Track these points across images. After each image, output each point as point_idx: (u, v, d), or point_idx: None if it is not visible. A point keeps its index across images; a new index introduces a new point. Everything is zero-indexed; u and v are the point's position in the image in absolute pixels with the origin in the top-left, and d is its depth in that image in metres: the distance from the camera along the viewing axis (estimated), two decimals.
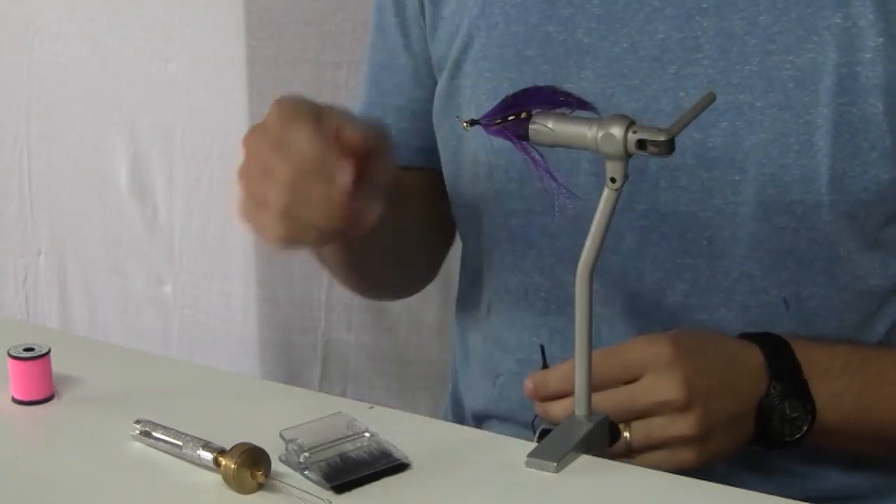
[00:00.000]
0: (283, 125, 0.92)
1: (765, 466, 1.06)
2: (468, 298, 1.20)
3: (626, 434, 0.97)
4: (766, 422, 1.00)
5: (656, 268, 1.06)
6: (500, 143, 1.07)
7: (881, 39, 1.00)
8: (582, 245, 0.92)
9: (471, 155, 1.12)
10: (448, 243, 1.26)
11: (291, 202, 0.92)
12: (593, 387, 0.94)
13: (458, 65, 1.11)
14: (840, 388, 1.03)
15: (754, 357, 1.01)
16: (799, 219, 1.03)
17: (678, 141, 1.02)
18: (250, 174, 0.94)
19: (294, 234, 0.94)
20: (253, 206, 0.94)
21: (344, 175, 0.90)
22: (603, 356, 0.97)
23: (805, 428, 1.01)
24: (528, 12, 1.07)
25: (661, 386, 0.97)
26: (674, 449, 0.97)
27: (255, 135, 0.94)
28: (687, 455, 0.97)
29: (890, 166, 1.02)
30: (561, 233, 1.07)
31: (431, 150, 1.17)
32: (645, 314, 1.07)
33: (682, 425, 0.97)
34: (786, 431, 1.01)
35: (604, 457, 0.94)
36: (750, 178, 1.02)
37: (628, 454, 0.97)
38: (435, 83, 1.15)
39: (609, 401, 0.95)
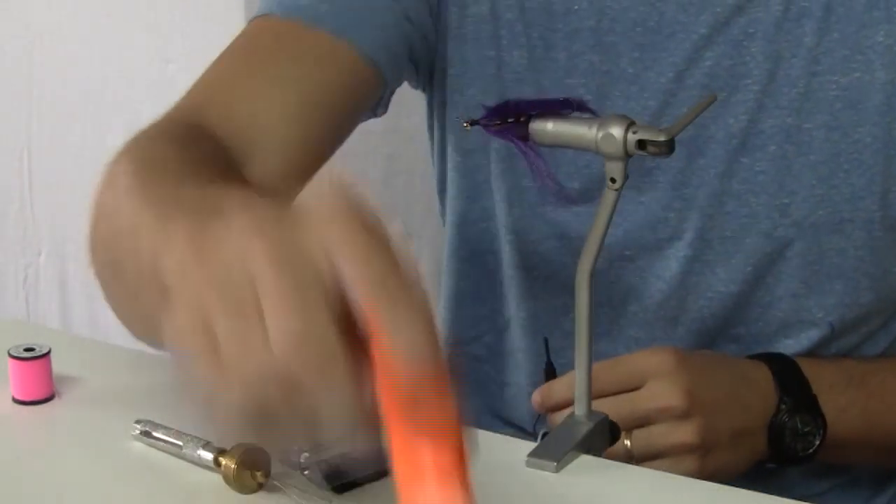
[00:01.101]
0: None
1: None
2: (465, 326, 1.19)
3: (628, 442, 0.97)
4: (779, 438, 1.00)
5: (698, 296, 1.06)
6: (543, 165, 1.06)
7: None
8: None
9: (485, 172, 1.11)
10: None
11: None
12: (596, 393, 0.94)
13: (489, 81, 1.08)
14: (847, 402, 1.03)
15: (762, 374, 1.01)
16: (848, 238, 1.03)
17: (728, 167, 1.02)
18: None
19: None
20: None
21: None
22: (607, 365, 0.98)
23: (817, 443, 1.01)
24: (568, 40, 1.05)
25: (662, 393, 0.97)
26: (675, 458, 0.97)
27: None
28: (689, 465, 0.97)
29: None
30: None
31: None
32: (683, 339, 1.07)
33: (682, 433, 0.97)
34: (798, 447, 1.01)
35: (604, 457, 0.94)
36: (799, 200, 1.02)
37: (629, 462, 0.97)
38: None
39: (610, 407, 0.96)
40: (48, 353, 1.00)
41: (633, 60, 1.04)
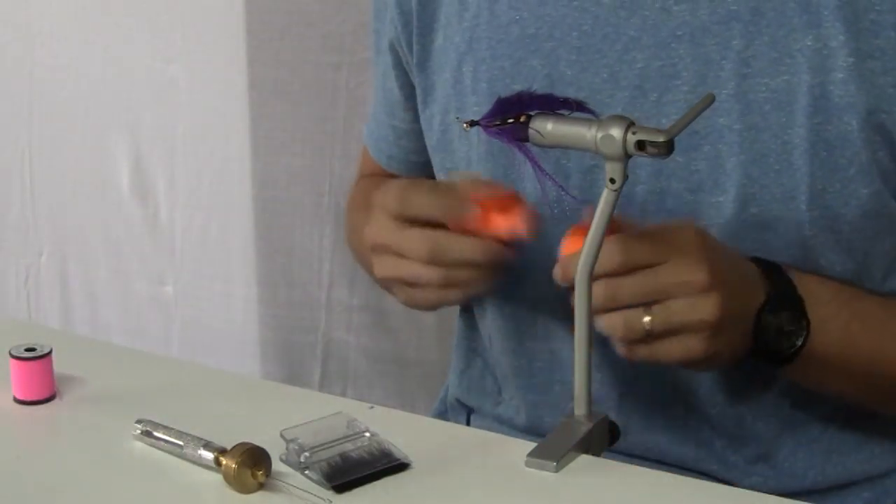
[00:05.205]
0: (400, 201, 1.02)
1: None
2: (469, 332, 1.21)
3: (647, 319, 0.96)
4: (763, 333, 1.00)
5: None
6: (500, 170, 1.08)
7: (852, 59, 1.01)
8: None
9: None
10: None
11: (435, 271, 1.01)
12: (620, 267, 0.94)
13: (448, 99, 1.13)
14: (828, 315, 1.03)
15: (753, 269, 1.02)
16: (780, 236, 1.04)
17: (664, 166, 1.04)
18: (387, 262, 1.04)
19: (448, 296, 1.03)
20: (402, 288, 1.04)
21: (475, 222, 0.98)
22: (632, 240, 0.97)
23: (799, 343, 1.01)
24: (513, 47, 1.09)
25: (687, 267, 0.97)
26: (688, 335, 0.96)
27: (375, 223, 1.04)
28: (698, 344, 0.96)
29: (868, 181, 1.03)
30: (552, 262, 1.08)
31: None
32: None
33: (702, 309, 0.96)
34: (783, 344, 1.01)
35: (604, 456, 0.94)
36: (731, 199, 1.03)
37: (646, 340, 0.96)
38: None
39: (636, 283, 0.95)
40: (49, 352, 1.01)
41: (571, 63, 1.07)
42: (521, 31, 1.09)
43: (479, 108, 1.09)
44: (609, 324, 0.96)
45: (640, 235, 0.98)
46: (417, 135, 1.20)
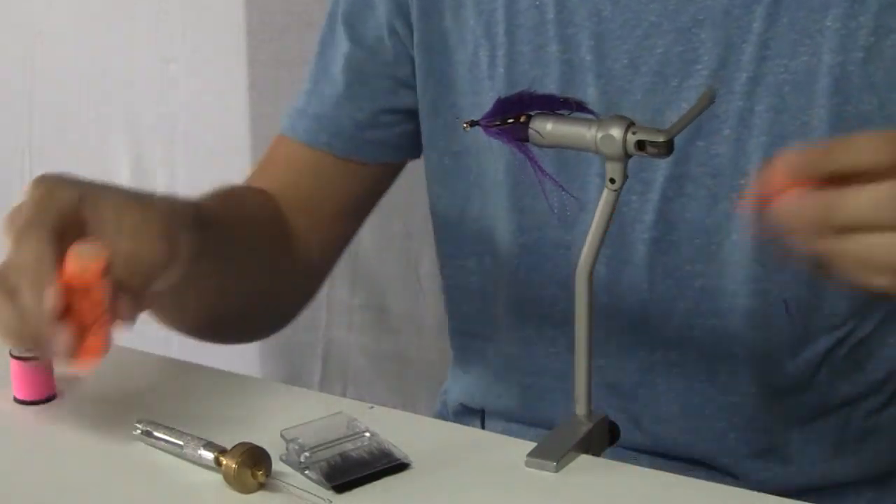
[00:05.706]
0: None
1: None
2: (470, 318, 1.20)
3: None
4: None
5: (667, 276, 1.07)
6: (509, 160, 1.07)
7: (873, 38, 1.01)
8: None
9: (476, 174, 1.12)
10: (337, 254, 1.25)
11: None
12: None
13: (463, 83, 1.12)
14: None
15: None
16: None
17: (684, 151, 1.03)
18: None
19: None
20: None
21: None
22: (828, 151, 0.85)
23: None
24: (532, 33, 1.09)
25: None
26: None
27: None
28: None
29: None
30: (577, 241, 1.08)
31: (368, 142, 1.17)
32: (656, 324, 1.08)
33: None
34: None
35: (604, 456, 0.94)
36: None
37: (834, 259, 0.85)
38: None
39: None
40: None
41: (591, 48, 1.07)
42: (541, 17, 1.08)
43: (494, 93, 1.08)
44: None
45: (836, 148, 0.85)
46: (383, 112, 1.16)
